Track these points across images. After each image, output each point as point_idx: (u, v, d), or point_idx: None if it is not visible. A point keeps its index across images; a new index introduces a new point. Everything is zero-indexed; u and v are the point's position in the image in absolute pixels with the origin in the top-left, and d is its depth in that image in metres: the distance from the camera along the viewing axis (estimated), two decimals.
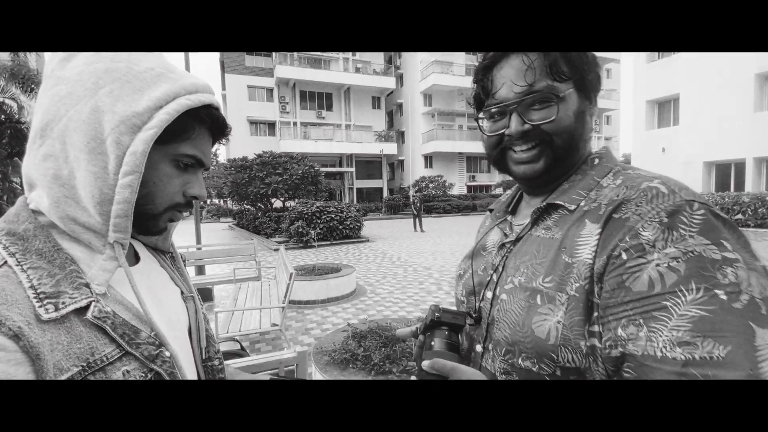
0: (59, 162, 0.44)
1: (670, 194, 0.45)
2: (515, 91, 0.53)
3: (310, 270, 5.43)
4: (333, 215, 10.32)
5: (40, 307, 0.38)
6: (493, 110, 0.56)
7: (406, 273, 6.79)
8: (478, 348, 0.59)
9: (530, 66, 0.52)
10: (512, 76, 0.53)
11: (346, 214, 10.67)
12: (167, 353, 0.48)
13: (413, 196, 15.02)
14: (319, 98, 27.52)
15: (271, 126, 26.98)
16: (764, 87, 12.92)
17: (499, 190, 29.15)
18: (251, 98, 26.34)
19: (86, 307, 0.42)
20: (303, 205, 10.56)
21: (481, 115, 0.59)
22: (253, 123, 26.56)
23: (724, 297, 0.38)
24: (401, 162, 31.01)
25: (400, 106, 31.02)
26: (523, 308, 0.52)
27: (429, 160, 28.89)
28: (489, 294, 0.59)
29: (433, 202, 24.37)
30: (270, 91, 26.75)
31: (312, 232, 7.84)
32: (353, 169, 27.28)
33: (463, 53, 28.59)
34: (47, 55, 0.49)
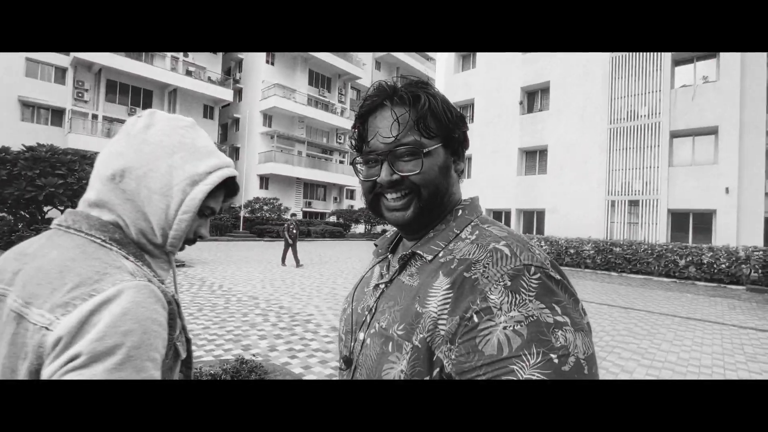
0: (133, 195, 0.61)
1: (512, 257, 0.49)
2: (384, 143, 0.56)
3: None
4: None
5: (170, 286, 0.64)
6: (367, 157, 0.60)
7: (228, 304, 6.06)
8: None
9: (398, 120, 0.55)
10: (383, 127, 0.57)
11: None
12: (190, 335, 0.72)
13: (288, 220, 12.17)
14: (135, 93, 23.19)
15: (58, 114, 21.07)
16: (524, 158, 17.65)
17: (333, 218, 30.18)
18: (30, 74, 20.10)
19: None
20: None
21: (358, 159, 0.62)
22: (29, 106, 20.20)
23: (556, 360, 0.42)
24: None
25: (237, 121, 29.12)
26: (378, 354, 0.54)
27: (265, 181, 27.74)
28: (360, 336, 0.61)
29: (266, 225, 23.27)
30: (63, 71, 21.06)
31: None
32: None
33: (306, 84, 29.29)
34: (130, 119, 0.66)
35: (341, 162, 32.35)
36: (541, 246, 14.23)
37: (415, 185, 0.56)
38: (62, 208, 10.81)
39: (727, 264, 11.05)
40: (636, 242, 12.69)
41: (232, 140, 29.40)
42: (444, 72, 21.30)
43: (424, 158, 0.55)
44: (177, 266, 9.56)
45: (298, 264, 10.96)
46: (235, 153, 28.83)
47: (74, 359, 0.45)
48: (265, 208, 24.29)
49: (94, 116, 21.33)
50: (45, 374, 0.47)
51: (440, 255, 0.56)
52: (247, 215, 24.27)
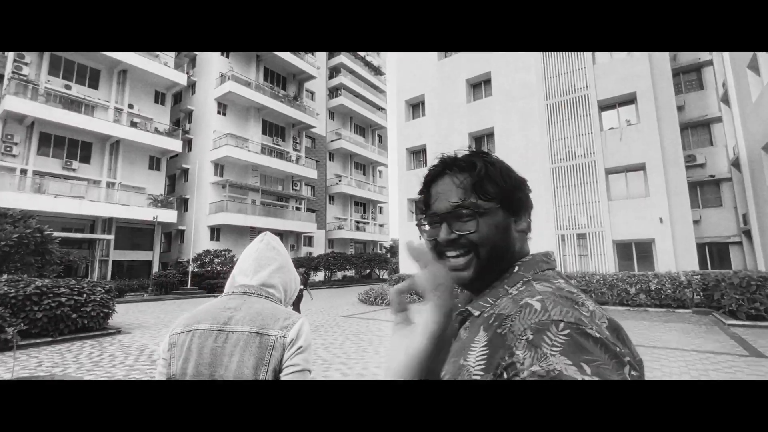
0: (284, 279, 1.18)
1: (541, 312, 0.49)
2: (445, 206, 0.62)
3: None
4: (63, 299, 7.44)
5: None
6: (431, 219, 0.65)
7: None
8: None
9: (458, 185, 0.62)
10: (444, 192, 0.63)
11: (87, 296, 7.92)
12: None
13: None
14: (72, 146, 21.73)
15: None
16: None
17: None
18: None
19: None
20: (11, 284, 7.26)
21: (423, 221, 0.67)
22: None
23: None
24: (181, 232, 27.10)
25: (186, 171, 28.05)
26: None
27: (216, 232, 26.41)
28: None
29: (217, 279, 21.78)
30: None
31: (9, 328, 5.24)
32: (112, 237, 21.80)
33: (259, 133, 29.24)
34: (273, 240, 1.24)
35: (297, 209, 31.82)
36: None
37: (473, 243, 0.60)
38: None
39: (672, 289, 11.70)
40: (589, 273, 13.20)
41: (181, 191, 28.10)
42: (396, 120, 22.20)
43: (480, 218, 0.59)
44: (111, 334, 8.44)
45: None
46: (183, 204, 27.44)
47: (299, 348, 0.98)
48: (216, 260, 22.89)
49: (23, 171, 19.55)
50: (287, 355, 0.97)
51: (487, 310, 0.57)
52: (195, 270, 22.67)
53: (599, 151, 14.76)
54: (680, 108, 17.58)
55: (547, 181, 15.72)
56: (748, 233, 15.88)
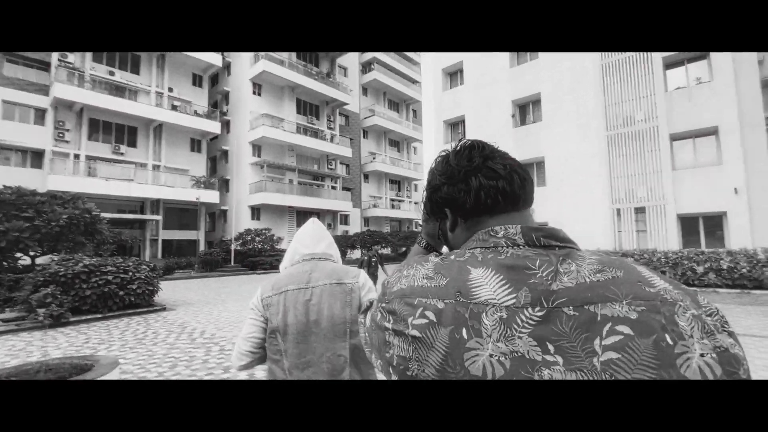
0: (336, 252, 1.46)
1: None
2: None
3: (30, 373, 3.38)
4: (110, 277, 7.66)
5: None
6: None
7: (208, 355, 5.21)
8: None
9: None
10: None
11: (132, 274, 8.13)
12: None
13: (365, 254, 10.22)
14: (119, 130, 22.69)
15: (38, 156, 20.44)
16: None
17: None
18: (7, 117, 19.56)
19: None
20: (62, 263, 7.55)
21: None
22: (5, 149, 19.54)
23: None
24: (224, 212, 28.00)
25: (226, 152, 28.68)
26: None
27: (257, 211, 27.02)
28: None
29: (258, 257, 22.37)
30: (42, 112, 20.57)
31: (55, 303, 5.37)
32: (160, 217, 22.86)
33: (294, 112, 29.12)
34: (320, 223, 1.50)
35: (333, 188, 31.84)
36: None
37: None
38: (33, 254, 9.96)
39: (748, 268, 10.38)
40: (648, 251, 12.03)
41: (222, 172, 28.87)
42: (432, 91, 21.16)
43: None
44: (156, 311, 8.67)
45: None
46: (225, 185, 28.22)
47: (370, 288, 1.31)
48: (257, 239, 23.44)
49: (76, 156, 20.70)
50: (363, 294, 1.28)
51: None
52: (238, 248, 23.39)
53: (663, 114, 13.18)
54: (760, 63, 15.28)
55: (602, 150, 14.37)
56: None
